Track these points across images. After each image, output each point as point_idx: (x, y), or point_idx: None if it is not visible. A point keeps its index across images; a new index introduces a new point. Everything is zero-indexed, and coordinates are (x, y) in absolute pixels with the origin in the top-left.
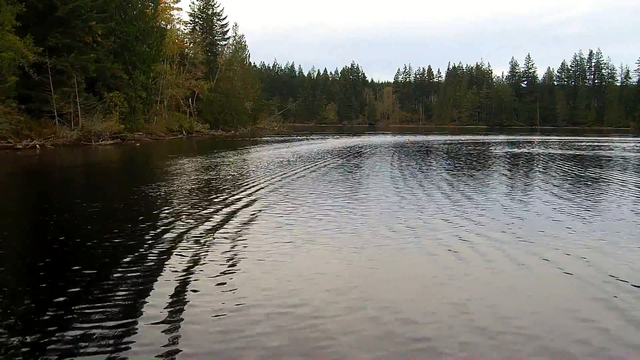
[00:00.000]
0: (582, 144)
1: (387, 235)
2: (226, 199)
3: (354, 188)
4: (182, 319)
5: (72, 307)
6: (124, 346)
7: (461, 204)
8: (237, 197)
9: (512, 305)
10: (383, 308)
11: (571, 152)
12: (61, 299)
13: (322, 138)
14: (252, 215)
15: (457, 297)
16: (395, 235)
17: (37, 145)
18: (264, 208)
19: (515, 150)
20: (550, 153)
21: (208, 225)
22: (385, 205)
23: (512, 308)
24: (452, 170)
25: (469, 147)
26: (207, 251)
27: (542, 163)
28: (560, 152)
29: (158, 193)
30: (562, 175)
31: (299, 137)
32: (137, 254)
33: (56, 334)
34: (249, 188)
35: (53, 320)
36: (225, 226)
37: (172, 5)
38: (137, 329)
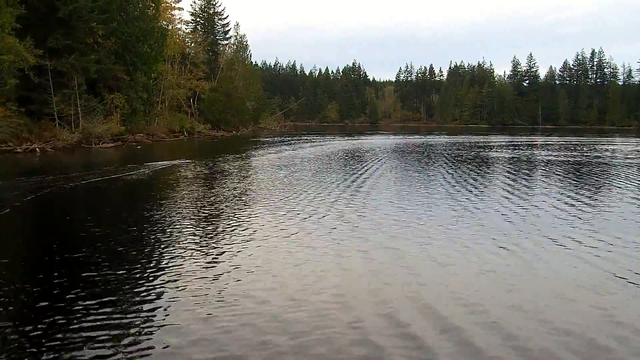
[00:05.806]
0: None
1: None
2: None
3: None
4: (182, 322)
5: (71, 307)
6: (125, 348)
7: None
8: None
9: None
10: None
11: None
12: (60, 299)
13: (325, 139)
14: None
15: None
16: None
17: (37, 149)
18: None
19: (520, 152)
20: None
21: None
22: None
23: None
24: (462, 174)
25: (477, 151)
26: (217, 257)
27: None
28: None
29: (155, 208)
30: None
31: (301, 138)
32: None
33: (55, 336)
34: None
35: (52, 321)
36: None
37: (173, 5)
38: (136, 330)
